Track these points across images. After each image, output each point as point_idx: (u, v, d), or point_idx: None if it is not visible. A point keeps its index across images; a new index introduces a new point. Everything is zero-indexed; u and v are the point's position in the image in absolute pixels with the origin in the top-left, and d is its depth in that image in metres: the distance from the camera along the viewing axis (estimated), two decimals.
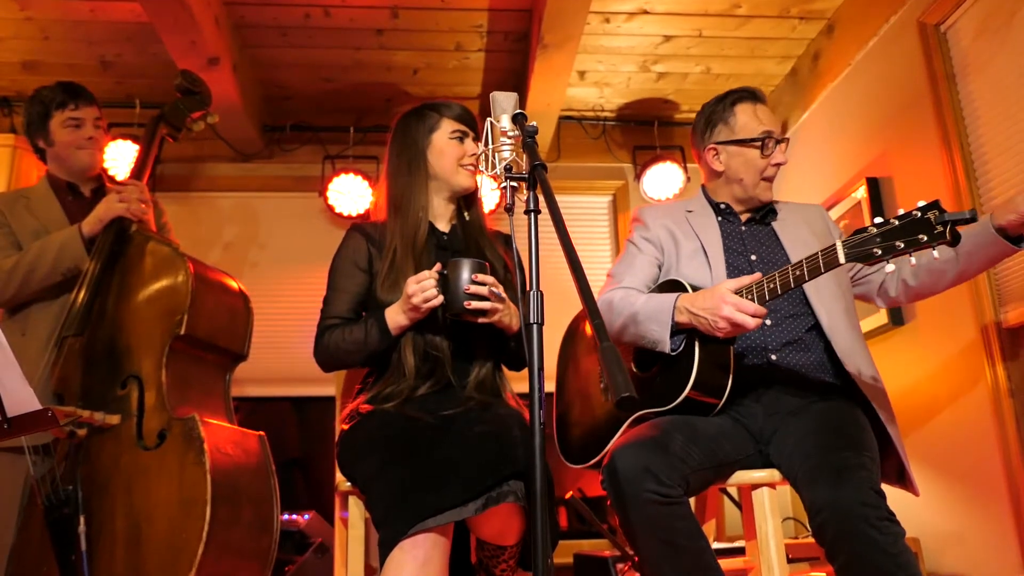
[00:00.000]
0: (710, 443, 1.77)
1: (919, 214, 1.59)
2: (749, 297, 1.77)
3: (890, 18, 3.10)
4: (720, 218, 2.13)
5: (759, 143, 2.06)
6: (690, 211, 2.16)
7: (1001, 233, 1.74)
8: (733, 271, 2.01)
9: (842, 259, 1.66)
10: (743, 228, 2.12)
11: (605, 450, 2.00)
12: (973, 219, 1.57)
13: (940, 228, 1.56)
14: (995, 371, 2.52)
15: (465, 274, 1.81)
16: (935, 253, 1.59)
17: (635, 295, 1.97)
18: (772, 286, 1.76)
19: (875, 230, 1.64)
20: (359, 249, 2.04)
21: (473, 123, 2.12)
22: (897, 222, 1.62)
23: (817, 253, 1.70)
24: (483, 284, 1.80)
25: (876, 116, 3.19)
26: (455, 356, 1.94)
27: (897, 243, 1.60)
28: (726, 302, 1.74)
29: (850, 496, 1.54)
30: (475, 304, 1.80)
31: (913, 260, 1.63)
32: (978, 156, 2.69)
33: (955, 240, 1.57)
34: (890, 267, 1.65)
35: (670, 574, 1.65)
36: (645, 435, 1.74)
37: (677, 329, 1.86)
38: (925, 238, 1.57)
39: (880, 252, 1.62)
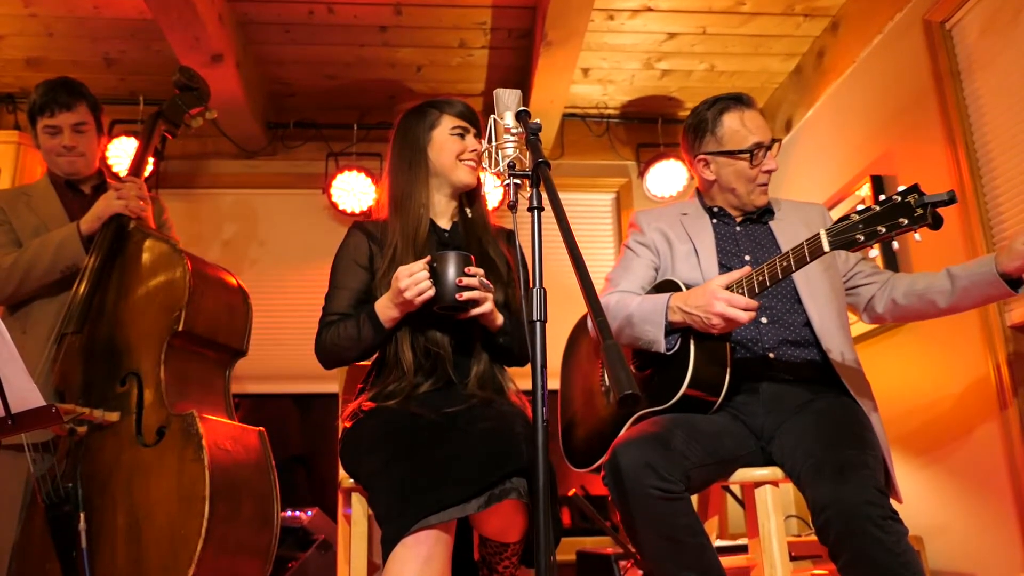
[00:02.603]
0: (711, 440, 1.77)
1: (899, 198, 1.60)
2: (740, 291, 1.77)
3: (895, 15, 3.08)
4: (715, 220, 2.13)
5: (748, 154, 2.04)
6: (685, 214, 2.16)
7: (1004, 277, 1.75)
8: (726, 271, 2.00)
9: (826, 247, 1.67)
10: (738, 229, 2.11)
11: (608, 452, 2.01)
12: (952, 201, 1.57)
13: (920, 211, 1.57)
14: (999, 369, 2.52)
15: (453, 267, 1.80)
16: (917, 236, 1.60)
17: (630, 298, 1.97)
18: (761, 278, 1.76)
19: (857, 217, 1.65)
20: (360, 246, 2.04)
21: (474, 120, 2.12)
22: (878, 207, 1.63)
23: (803, 243, 1.71)
24: (473, 276, 1.80)
25: (881, 114, 3.18)
26: (455, 352, 1.93)
27: (879, 228, 1.61)
28: (717, 298, 1.75)
29: (853, 494, 1.54)
30: (467, 295, 1.80)
31: (896, 245, 1.65)
32: (983, 154, 2.67)
33: (936, 223, 1.57)
34: (874, 252, 1.65)
35: (671, 570, 1.65)
36: (646, 432, 1.74)
37: (672, 328, 1.86)
38: (906, 221, 1.58)
39: (863, 238, 1.63)
